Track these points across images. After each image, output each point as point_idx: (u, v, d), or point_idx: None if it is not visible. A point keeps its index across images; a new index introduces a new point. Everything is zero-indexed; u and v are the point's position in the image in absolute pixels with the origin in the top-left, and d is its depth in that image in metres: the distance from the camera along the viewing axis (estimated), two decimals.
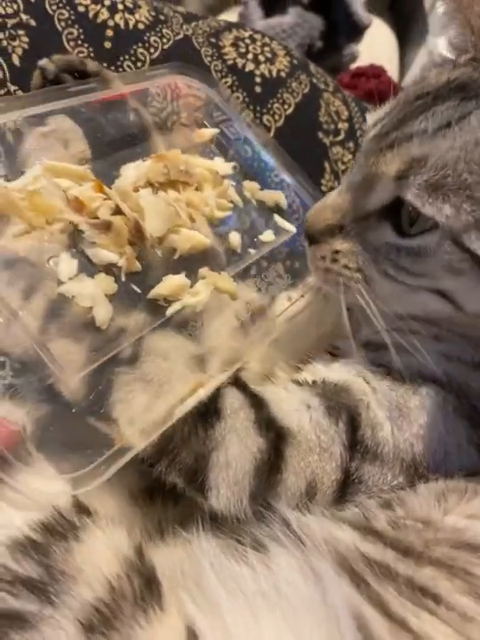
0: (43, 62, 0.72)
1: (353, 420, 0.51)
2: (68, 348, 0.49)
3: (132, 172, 0.61)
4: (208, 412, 0.50)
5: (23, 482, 0.49)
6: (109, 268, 0.55)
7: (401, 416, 0.51)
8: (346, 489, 0.49)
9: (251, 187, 0.72)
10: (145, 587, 0.43)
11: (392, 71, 1.62)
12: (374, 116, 0.54)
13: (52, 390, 0.47)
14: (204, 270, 0.59)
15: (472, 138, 0.45)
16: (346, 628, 0.40)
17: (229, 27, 0.99)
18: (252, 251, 0.67)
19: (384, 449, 0.50)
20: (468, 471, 0.51)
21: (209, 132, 0.73)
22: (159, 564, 0.46)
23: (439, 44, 0.62)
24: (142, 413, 0.48)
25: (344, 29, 1.57)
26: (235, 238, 0.66)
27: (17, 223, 0.53)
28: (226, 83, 0.90)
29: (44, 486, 0.49)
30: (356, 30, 1.59)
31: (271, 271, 0.76)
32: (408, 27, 1.72)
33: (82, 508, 0.49)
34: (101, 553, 0.45)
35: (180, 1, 1.55)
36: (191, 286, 0.57)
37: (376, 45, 1.63)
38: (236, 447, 0.48)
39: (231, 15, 1.58)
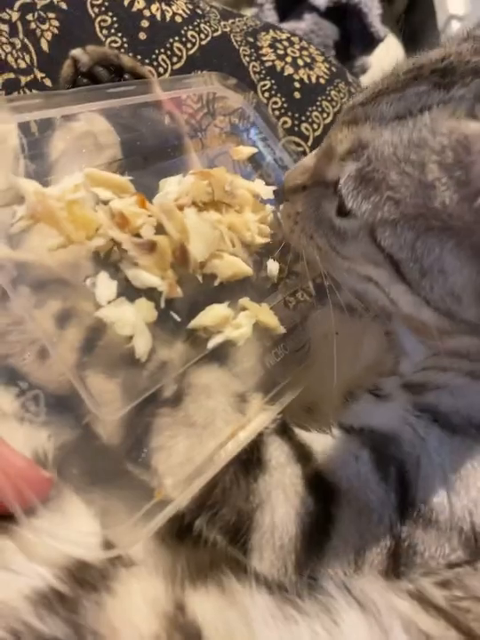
0: (76, 52, 0.66)
1: (402, 477, 0.48)
2: (104, 382, 0.45)
3: (173, 187, 0.56)
4: (251, 461, 0.46)
5: (48, 526, 0.44)
6: (149, 293, 0.50)
7: (457, 478, 0.47)
8: (398, 559, 0.45)
9: None
10: None
11: None
12: (371, 81, 0.50)
13: (85, 431, 0.43)
14: (244, 301, 0.55)
15: (417, 136, 0.41)
16: None
17: (266, 27, 0.94)
18: (288, 281, 0.63)
19: (439, 516, 0.46)
20: None
21: (247, 151, 0.68)
22: (204, 620, 0.41)
23: None
24: (184, 462, 0.43)
25: (358, 40, 1.53)
26: (273, 267, 0.62)
27: (53, 235, 0.48)
28: (264, 86, 0.85)
29: (71, 531, 0.44)
30: (370, 42, 1.56)
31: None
32: (418, 41, 1.69)
33: (111, 544, 0.43)
34: (138, 608, 0.41)
35: None
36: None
37: (386, 58, 1.60)
38: (283, 507, 0.44)
39: None
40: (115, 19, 0.78)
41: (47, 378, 0.45)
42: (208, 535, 0.45)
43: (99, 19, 0.77)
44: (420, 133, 0.41)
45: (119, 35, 0.77)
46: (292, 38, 0.95)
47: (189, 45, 0.81)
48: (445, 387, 0.53)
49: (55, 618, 0.38)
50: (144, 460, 0.43)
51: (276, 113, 0.84)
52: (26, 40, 0.71)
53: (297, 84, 0.87)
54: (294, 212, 0.55)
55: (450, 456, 0.48)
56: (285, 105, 0.85)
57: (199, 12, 0.85)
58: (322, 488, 0.46)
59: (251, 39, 0.89)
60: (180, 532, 0.48)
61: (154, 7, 0.81)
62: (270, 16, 1.57)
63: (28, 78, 0.71)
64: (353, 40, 1.59)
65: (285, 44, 0.92)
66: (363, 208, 0.44)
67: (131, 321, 0.46)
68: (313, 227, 0.52)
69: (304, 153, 0.83)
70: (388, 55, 1.65)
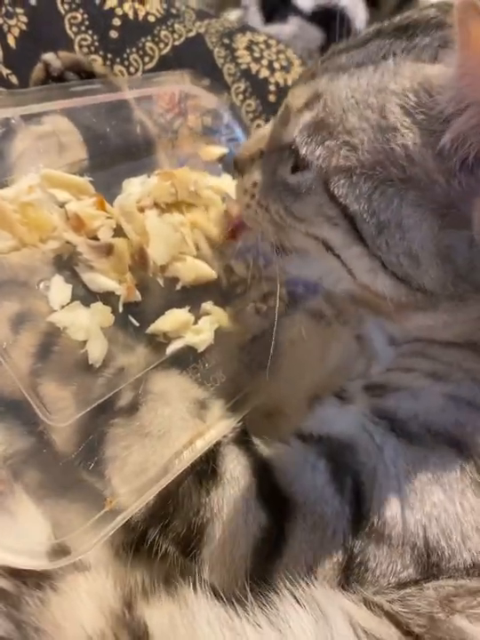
0: (48, 56, 0.65)
1: (358, 489, 0.46)
2: (59, 389, 0.43)
3: (136, 188, 0.54)
4: (205, 473, 0.45)
5: None
6: (106, 297, 0.49)
7: (412, 491, 0.45)
8: (349, 575, 0.44)
9: None
10: None
11: None
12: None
13: (39, 437, 0.42)
14: (208, 305, 0.54)
15: (378, 80, 0.40)
16: None
17: (243, 29, 0.93)
18: (259, 285, 0.62)
19: (392, 531, 0.44)
20: None
21: (218, 152, 0.67)
22: (152, 621, 0.40)
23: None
24: (139, 471, 0.42)
25: None
26: (239, 268, 0.61)
27: (5, 238, 0.47)
28: (238, 88, 0.85)
29: (18, 541, 0.43)
30: None
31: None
32: None
33: (60, 551, 0.42)
34: (83, 605, 0.40)
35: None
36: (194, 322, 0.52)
37: None
38: (234, 523, 0.43)
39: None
40: (85, 16, 0.76)
41: (0, 382, 0.43)
42: (160, 545, 0.44)
43: (69, 16, 0.75)
44: (382, 77, 0.40)
45: (89, 32, 0.76)
46: (269, 41, 0.94)
47: (162, 45, 0.80)
48: (407, 388, 0.52)
49: None
50: (97, 468, 0.42)
51: (250, 116, 0.84)
52: None
53: (272, 88, 0.87)
54: (251, 183, 0.51)
55: (405, 467, 0.46)
56: (260, 108, 0.85)
57: (173, 11, 0.84)
58: (276, 502, 0.45)
59: (226, 41, 0.88)
60: (134, 542, 0.47)
61: (126, 6, 0.79)
62: (255, 18, 1.57)
63: None
64: None
65: (262, 46, 0.92)
66: (317, 153, 0.41)
67: (84, 326, 0.45)
68: (268, 193, 0.49)
69: None
70: None
